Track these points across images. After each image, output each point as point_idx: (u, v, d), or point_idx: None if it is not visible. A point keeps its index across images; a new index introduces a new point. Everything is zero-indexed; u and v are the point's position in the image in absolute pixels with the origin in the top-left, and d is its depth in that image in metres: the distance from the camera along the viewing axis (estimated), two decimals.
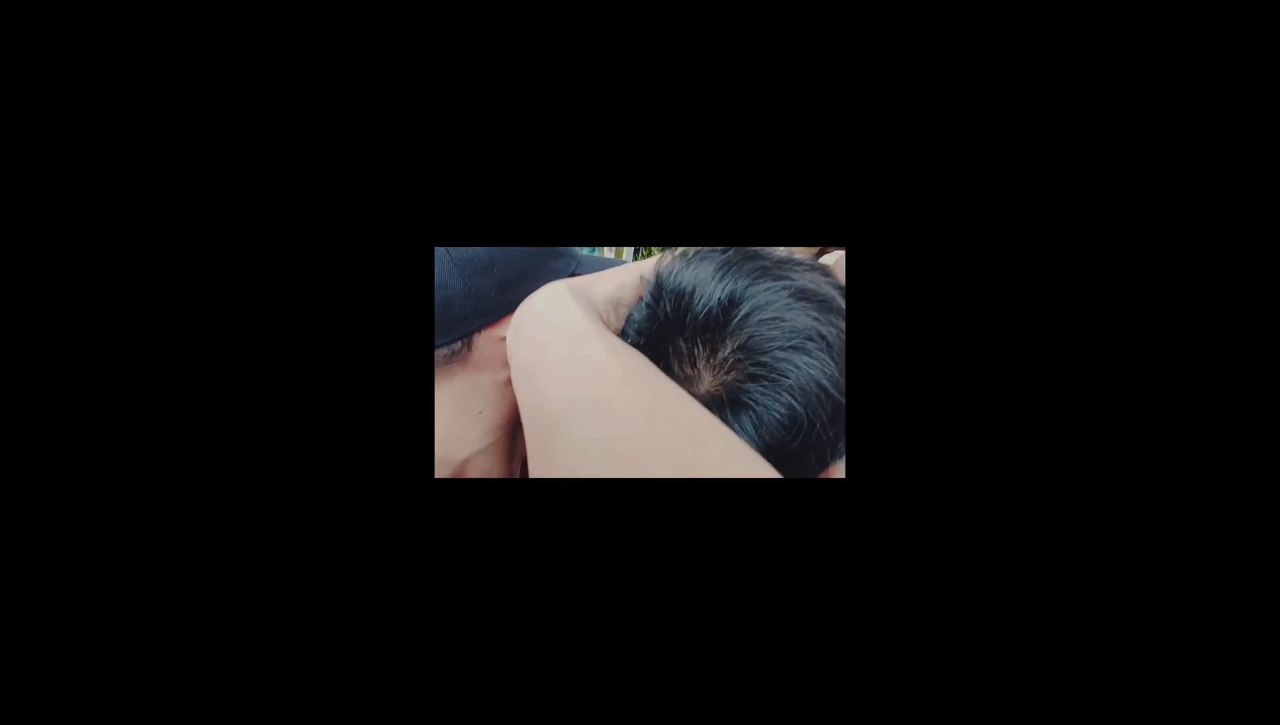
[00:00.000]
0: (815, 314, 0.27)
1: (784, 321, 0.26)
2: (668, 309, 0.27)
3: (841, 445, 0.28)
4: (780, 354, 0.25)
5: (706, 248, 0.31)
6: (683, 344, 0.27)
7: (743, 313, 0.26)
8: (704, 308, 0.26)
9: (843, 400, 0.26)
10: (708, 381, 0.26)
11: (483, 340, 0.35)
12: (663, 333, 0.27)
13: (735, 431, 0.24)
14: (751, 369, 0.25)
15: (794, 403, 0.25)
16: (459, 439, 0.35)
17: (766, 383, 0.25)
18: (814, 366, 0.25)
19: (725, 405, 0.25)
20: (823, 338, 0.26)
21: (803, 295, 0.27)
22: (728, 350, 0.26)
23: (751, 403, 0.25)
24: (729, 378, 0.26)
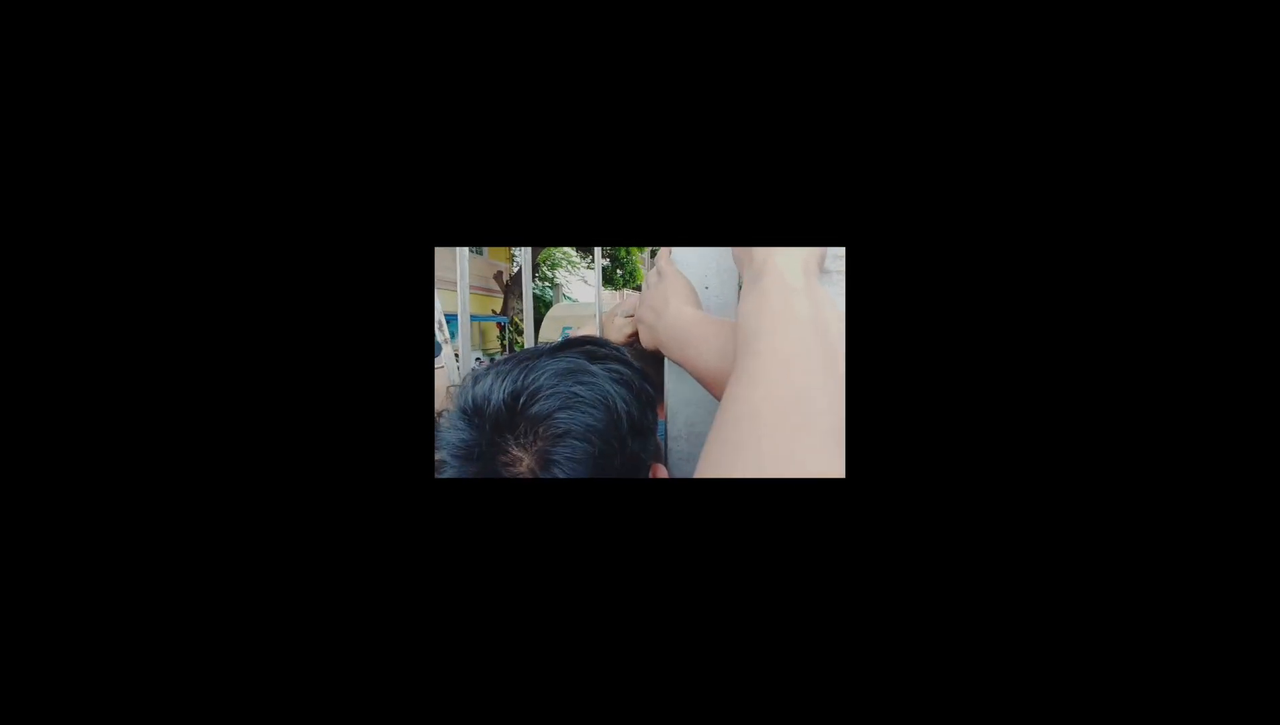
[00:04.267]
0: (578, 377, 0.36)
1: (557, 392, 0.35)
2: (477, 422, 0.34)
3: (648, 453, 0.37)
4: (561, 417, 0.33)
5: (486, 364, 0.39)
6: (498, 440, 0.34)
7: (523, 400, 0.34)
8: (495, 408, 0.34)
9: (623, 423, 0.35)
10: (526, 459, 0.33)
11: None
12: (482, 440, 0.34)
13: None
14: (547, 434, 0.33)
15: (586, 444, 0.33)
16: None
17: (562, 439, 0.33)
18: (587, 414, 0.34)
19: (546, 468, 0.32)
20: (580, 396, 0.35)
21: (563, 373, 0.36)
22: (523, 430, 0.33)
23: (560, 459, 0.32)
24: (538, 448, 0.33)
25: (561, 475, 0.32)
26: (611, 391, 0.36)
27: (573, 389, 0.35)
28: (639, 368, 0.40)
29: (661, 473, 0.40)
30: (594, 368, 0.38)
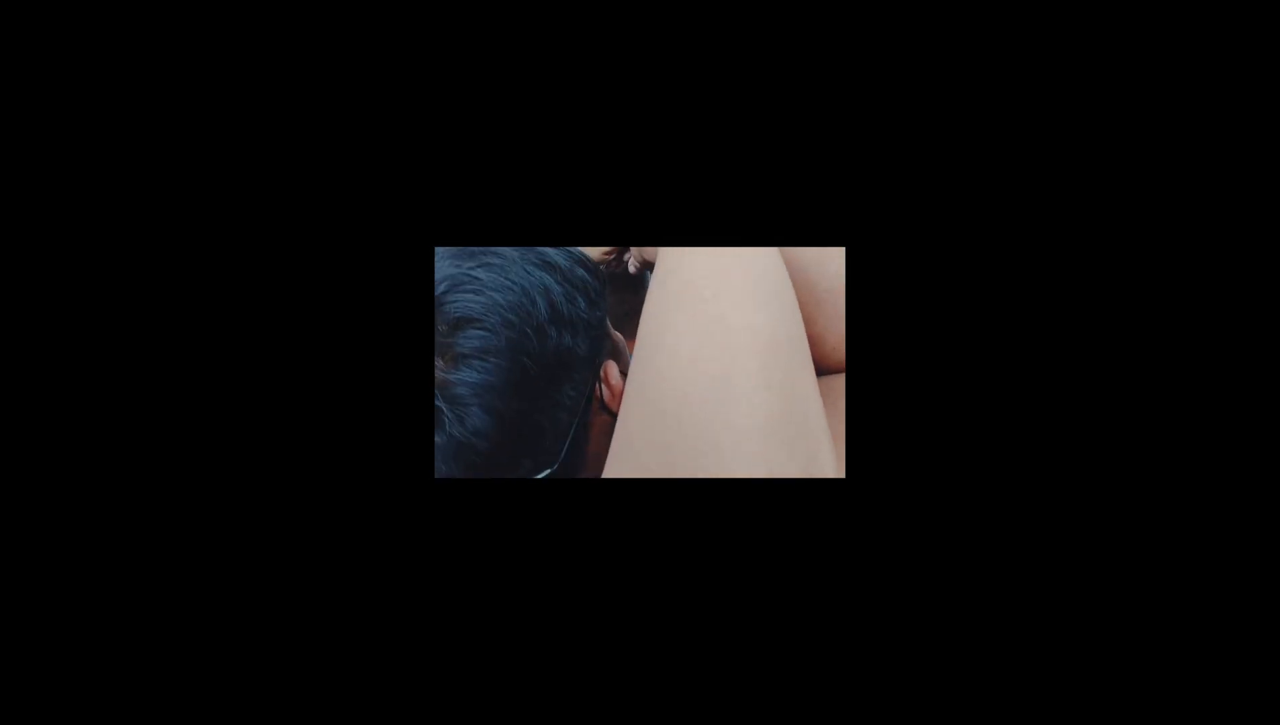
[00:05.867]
0: (480, 260, 0.33)
1: (450, 276, 0.32)
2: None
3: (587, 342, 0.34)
4: (453, 301, 0.31)
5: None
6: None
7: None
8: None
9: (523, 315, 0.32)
10: (439, 368, 0.31)
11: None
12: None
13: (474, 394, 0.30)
14: (442, 324, 0.31)
15: (490, 334, 0.30)
16: None
17: (461, 328, 0.31)
18: (487, 297, 0.31)
19: (456, 365, 0.30)
20: (479, 278, 0.31)
21: (462, 256, 0.33)
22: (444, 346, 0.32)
23: (467, 350, 0.30)
24: (438, 341, 0.31)
25: (477, 376, 0.29)
26: (524, 277, 0.31)
27: (471, 272, 0.31)
28: (581, 255, 0.36)
29: (614, 373, 0.36)
30: (507, 251, 0.33)
